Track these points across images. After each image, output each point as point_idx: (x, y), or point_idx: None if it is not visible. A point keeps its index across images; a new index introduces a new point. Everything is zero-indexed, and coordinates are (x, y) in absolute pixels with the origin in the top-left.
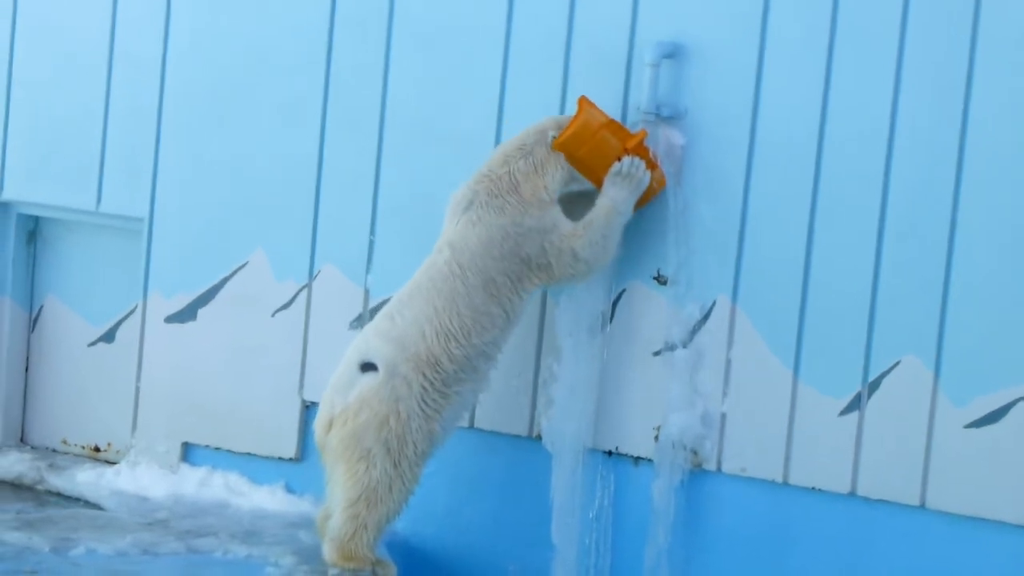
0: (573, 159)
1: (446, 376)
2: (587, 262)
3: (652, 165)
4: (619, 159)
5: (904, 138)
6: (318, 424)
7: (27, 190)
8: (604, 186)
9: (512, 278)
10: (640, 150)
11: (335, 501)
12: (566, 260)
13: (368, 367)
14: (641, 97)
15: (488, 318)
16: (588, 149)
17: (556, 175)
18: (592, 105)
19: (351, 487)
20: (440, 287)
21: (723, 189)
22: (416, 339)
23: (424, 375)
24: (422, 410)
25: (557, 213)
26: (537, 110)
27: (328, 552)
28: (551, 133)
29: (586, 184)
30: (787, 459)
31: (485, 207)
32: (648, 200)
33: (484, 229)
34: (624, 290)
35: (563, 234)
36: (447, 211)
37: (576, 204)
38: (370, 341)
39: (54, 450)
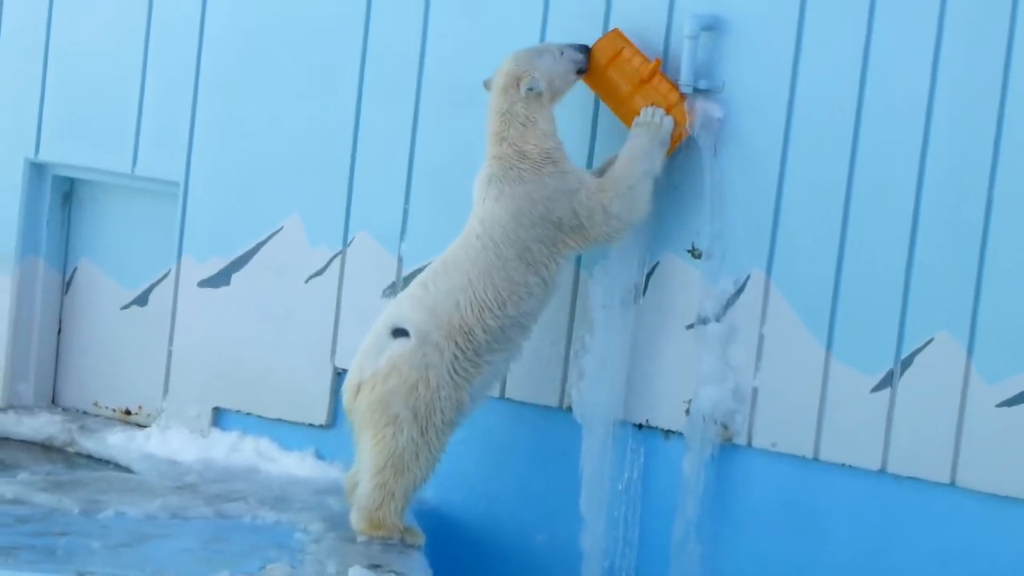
0: (594, 81)
1: (478, 346)
2: (618, 216)
3: (676, 99)
4: (641, 84)
5: (942, 113)
6: (347, 388)
7: (63, 152)
8: (630, 136)
9: (547, 244)
10: (664, 88)
11: (363, 468)
12: (598, 218)
13: (399, 333)
14: (679, 69)
15: (525, 288)
16: (609, 72)
17: (546, 117)
18: (624, 37)
19: (378, 453)
20: (475, 260)
21: (759, 163)
22: (450, 309)
23: (456, 343)
24: (452, 379)
25: (579, 171)
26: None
27: (356, 520)
28: (522, 86)
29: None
30: (818, 435)
31: (503, 180)
32: (674, 145)
33: (509, 200)
34: (658, 263)
35: (590, 190)
36: (474, 195)
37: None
38: (403, 308)
39: (85, 412)
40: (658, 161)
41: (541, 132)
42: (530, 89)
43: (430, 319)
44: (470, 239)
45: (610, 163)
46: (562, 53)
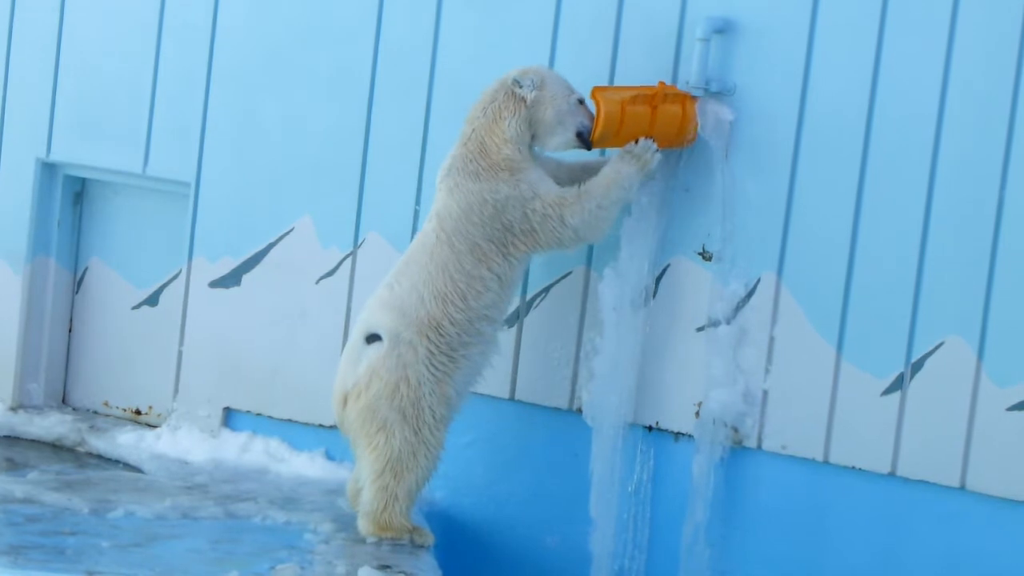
0: (617, 144)
1: (450, 339)
2: (575, 229)
3: (687, 99)
4: (655, 112)
5: (953, 117)
6: (334, 401)
7: (74, 152)
8: (612, 159)
9: (496, 243)
10: (671, 99)
11: (363, 475)
12: (551, 226)
13: (373, 338)
14: (690, 72)
15: (480, 282)
16: (624, 132)
17: (513, 123)
18: (606, 90)
19: (375, 459)
20: (432, 253)
21: (771, 166)
22: (416, 304)
23: (428, 338)
24: (432, 374)
25: (534, 177)
26: (587, 81)
27: (364, 525)
28: (512, 76)
29: (543, 140)
30: (828, 438)
31: (460, 172)
32: (683, 141)
33: (462, 195)
34: (669, 265)
35: (548, 201)
36: (436, 184)
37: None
38: (373, 313)
39: (95, 412)
40: (634, 192)
41: (502, 136)
42: (516, 82)
43: (399, 319)
44: (428, 233)
45: (588, 170)
46: (580, 103)
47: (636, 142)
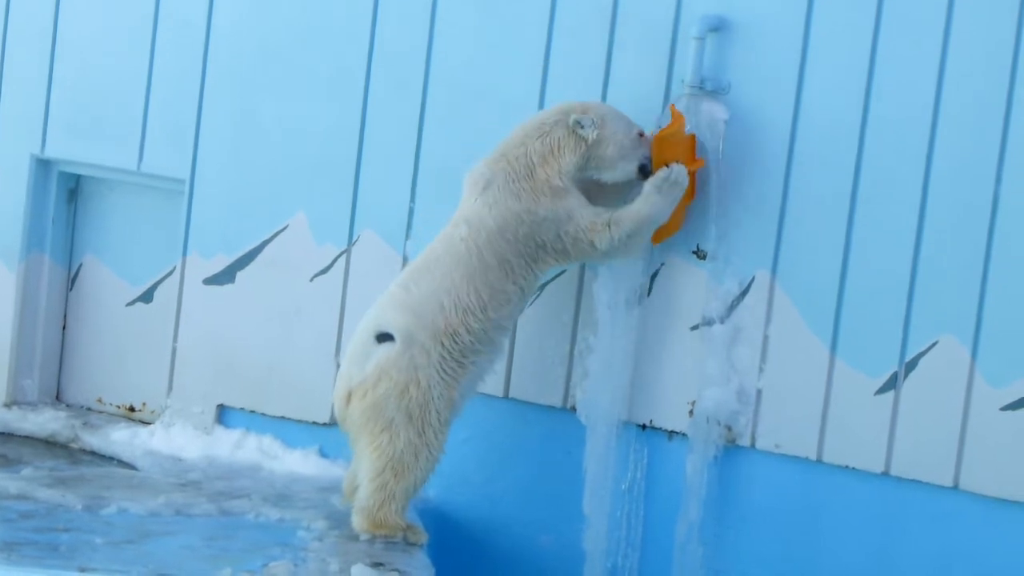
0: (660, 158)
1: (464, 347)
2: (606, 253)
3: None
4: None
5: (948, 116)
6: (336, 397)
7: (69, 148)
8: (646, 189)
9: (527, 259)
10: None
11: (362, 472)
12: (582, 247)
13: (384, 337)
14: (685, 70)
15: (503, 294)
16: (676, 154)
17: (571, 159)
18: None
19: (376, 458)
20: (459, 262)
21: (765, 165)
22: (434, 310)
23: (443, 344)
24: (442, 378)
25: (573, 202)
26: (582, 79)
27: (358, 521)
28: (573, 116)
29: (602, 173)
30: (821, 437)
31: (502, 190)
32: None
33: (500, 213)
34: (663, 264)
35: (581, 226)
36: (464, 187)
37: (609, 193)
38: (385, 311)
39: (89, 409)
40: (665, 217)
41: (557, 169)
42: (578, 123)
43: (415, 321)
44: (455, 240)
45: (619, 187)
46: (641, 136)
47: (668, 166)
